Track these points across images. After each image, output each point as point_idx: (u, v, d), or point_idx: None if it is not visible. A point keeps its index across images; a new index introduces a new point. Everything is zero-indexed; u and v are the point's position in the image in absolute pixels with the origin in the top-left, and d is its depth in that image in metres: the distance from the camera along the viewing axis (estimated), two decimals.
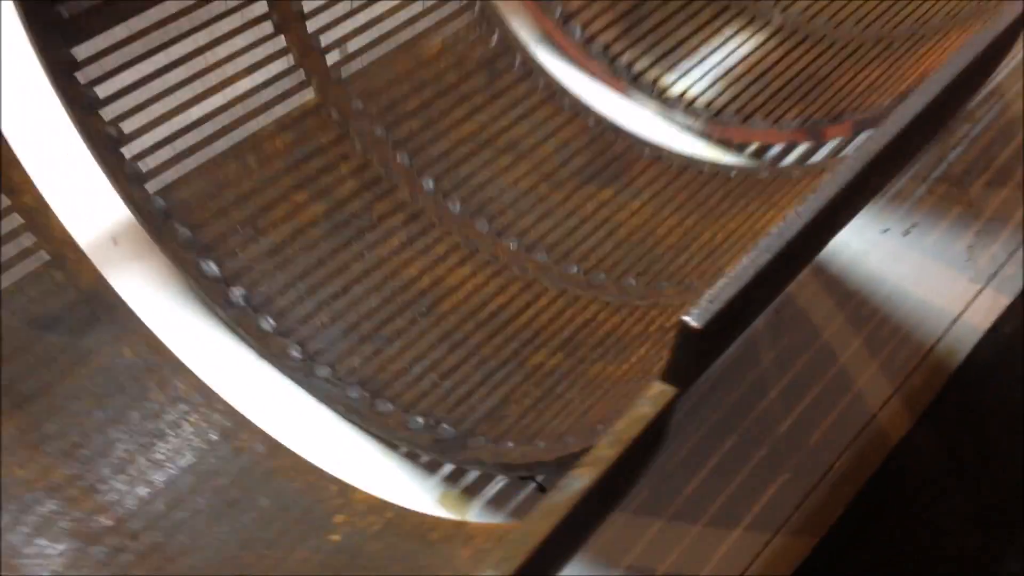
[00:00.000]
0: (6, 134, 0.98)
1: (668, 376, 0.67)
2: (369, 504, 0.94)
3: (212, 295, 1.08)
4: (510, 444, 0.95)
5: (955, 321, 1.19)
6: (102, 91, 1.05)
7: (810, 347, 1.16)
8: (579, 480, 0.62)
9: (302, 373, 1.06)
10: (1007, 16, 0.95)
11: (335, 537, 0.92)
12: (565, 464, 0.88)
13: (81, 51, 1.02)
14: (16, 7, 0.98)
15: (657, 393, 0.65)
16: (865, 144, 0.78)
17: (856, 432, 1.08)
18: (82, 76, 1.03)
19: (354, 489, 0.96)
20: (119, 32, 1.05)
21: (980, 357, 1.16)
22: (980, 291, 1.23)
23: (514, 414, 0.99)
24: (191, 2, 1.10)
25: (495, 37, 1.34)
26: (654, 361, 0.94)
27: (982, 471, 1.07)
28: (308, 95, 1.20)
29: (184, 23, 1.10)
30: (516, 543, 0.59)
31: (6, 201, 0.99)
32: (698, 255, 1.12)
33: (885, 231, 1.28)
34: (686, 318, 0.65)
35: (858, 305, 1.20)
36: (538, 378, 1.03)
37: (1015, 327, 1.19)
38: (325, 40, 1.21)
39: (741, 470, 1.05)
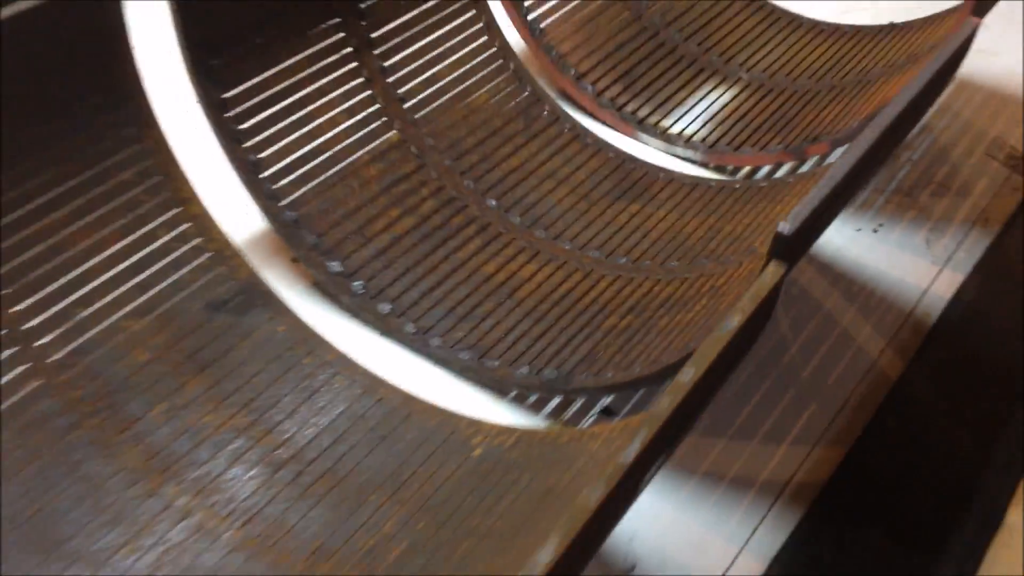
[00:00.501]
0: (179, 158, 1.21)
1: (779, 257, 0.93)
2: (499, 428, 1.16)
3: (337, 287, 1.31)
4: (609, 374, 1.19)
5: (925, 292, 1.48)
6: (244, 127, 1.29)
7: (816, 315, 1.43)
8: (731, 322, 0.86)
9: (419, 344, 1.29)
10: (944, 54, 1.26)
11: (476, 452, 1.14)
12: (667, 374, 1.12)
13: (229, 96, 1.27)
14: (184, 61, 1.22)
15: (773, 270, 0.91)
16: (875, 123, 1.07)
17: (863, 373, 1.35)
18: (230, 115, 1.27)
19: (482, 421, 1.18)
20: (254, 83, 1.30)
21: (949, 317, 1.44)
22: (940, 271, 1.52)
23: (605, 356, 1.23)
24: (302, 58, 1.36)
25: (527, 91, 1.62)
26: (715, 307, 1.19)
27: (961, 395, 1.33)
28: (392, 134, 1.45)
29: (300, 76, 1.36)
30: (693, 366, 0.83)
31: (179, 209, 1.21)
32: (725, 241, 1.39)
33: (859, 230, 1.58)
34: (780, 228, 0.92)
35: (848, 284, 1.48)
36: (616, 334, 1.27)
37: (971, 296, 1.48)
38: (402, 91, 1.47)
39: (778, 404, 1.30)
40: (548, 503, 1.01)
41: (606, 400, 1.23)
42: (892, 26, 1.86)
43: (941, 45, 1.34)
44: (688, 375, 0.79)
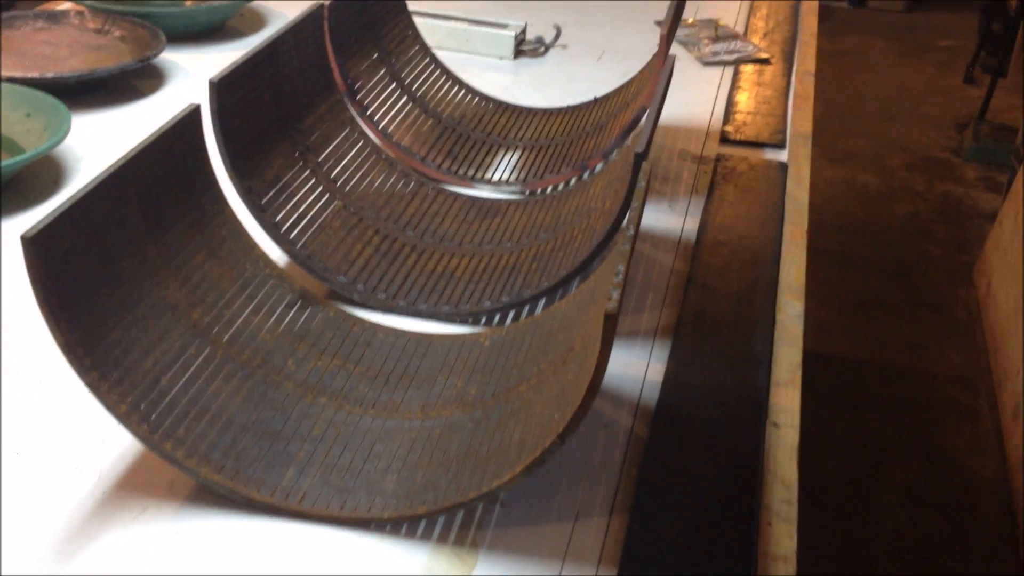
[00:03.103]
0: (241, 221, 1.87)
1: (643, 160, 1.75)
2: (492, 329, 1.89)
3: (348, 291, 1.99)
4: (545, 284, 1.95)
5: (682, 229, 2.37)
6: (263, 202, 1.96)
7: (641, 253, 2.26)
8: (636, 200, 1.67)
9: (413, 310, 1.99)
10: (664, 75, 2.18)
11: (487, 343, 1.85)
12: (587, 263, 1.89)
13: (253, 183, 1.95)
14: (224, 162, 1.90)
15: (645, 166, 1.73)
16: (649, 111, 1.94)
17: (670, 269, 2.19)
18: (255, 195, 1.95)
19: (479, 331, 1.90)
20: (264, 177, 1.99)
21: (700, 238, 2.33)
22: (684, 219, 2.42)
23: (536, 279, 1.99)
24: (279, 158, 2.06)
25: (398, 170, 2.39)
26: (593, 233, 1.99)
27: (723, 259, 2.21)
28: (336, 203, 2.16)
29: (283, 170, 2.05)
30: (630, 224, 1.63)
31: (251, 252, 1.86)
32: (569, 216, 2.20)
33: None
34: (636, 150, 1.75)
35: (642, 233, 2.34)
36: (534, 271, 2.04)
37: (705, 224, 2.39)
38: (333, 175, 2.19)
39: (634, 291, 2.11)
40: (558, 331, 1.74)
41: (545, 300, 1.99)
42: (598, 98, 2.80)
43: (651, 80, 2.27)
44: (630, 232, 1.57)
